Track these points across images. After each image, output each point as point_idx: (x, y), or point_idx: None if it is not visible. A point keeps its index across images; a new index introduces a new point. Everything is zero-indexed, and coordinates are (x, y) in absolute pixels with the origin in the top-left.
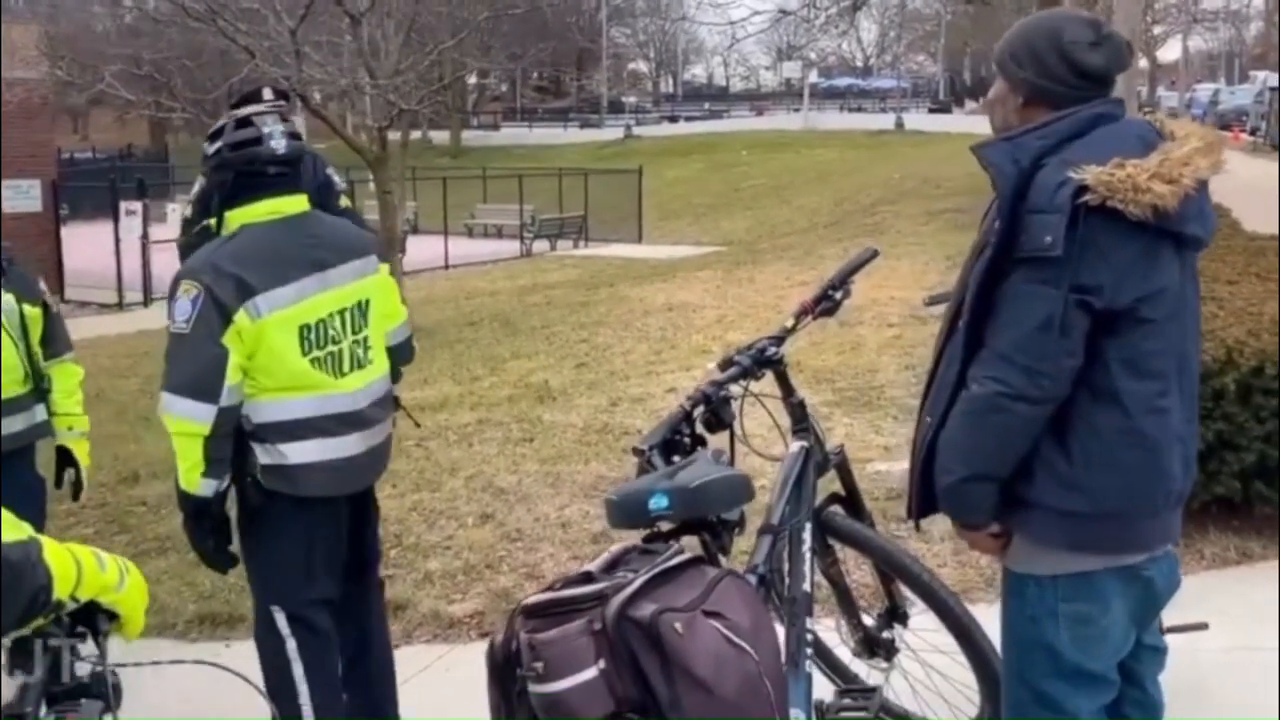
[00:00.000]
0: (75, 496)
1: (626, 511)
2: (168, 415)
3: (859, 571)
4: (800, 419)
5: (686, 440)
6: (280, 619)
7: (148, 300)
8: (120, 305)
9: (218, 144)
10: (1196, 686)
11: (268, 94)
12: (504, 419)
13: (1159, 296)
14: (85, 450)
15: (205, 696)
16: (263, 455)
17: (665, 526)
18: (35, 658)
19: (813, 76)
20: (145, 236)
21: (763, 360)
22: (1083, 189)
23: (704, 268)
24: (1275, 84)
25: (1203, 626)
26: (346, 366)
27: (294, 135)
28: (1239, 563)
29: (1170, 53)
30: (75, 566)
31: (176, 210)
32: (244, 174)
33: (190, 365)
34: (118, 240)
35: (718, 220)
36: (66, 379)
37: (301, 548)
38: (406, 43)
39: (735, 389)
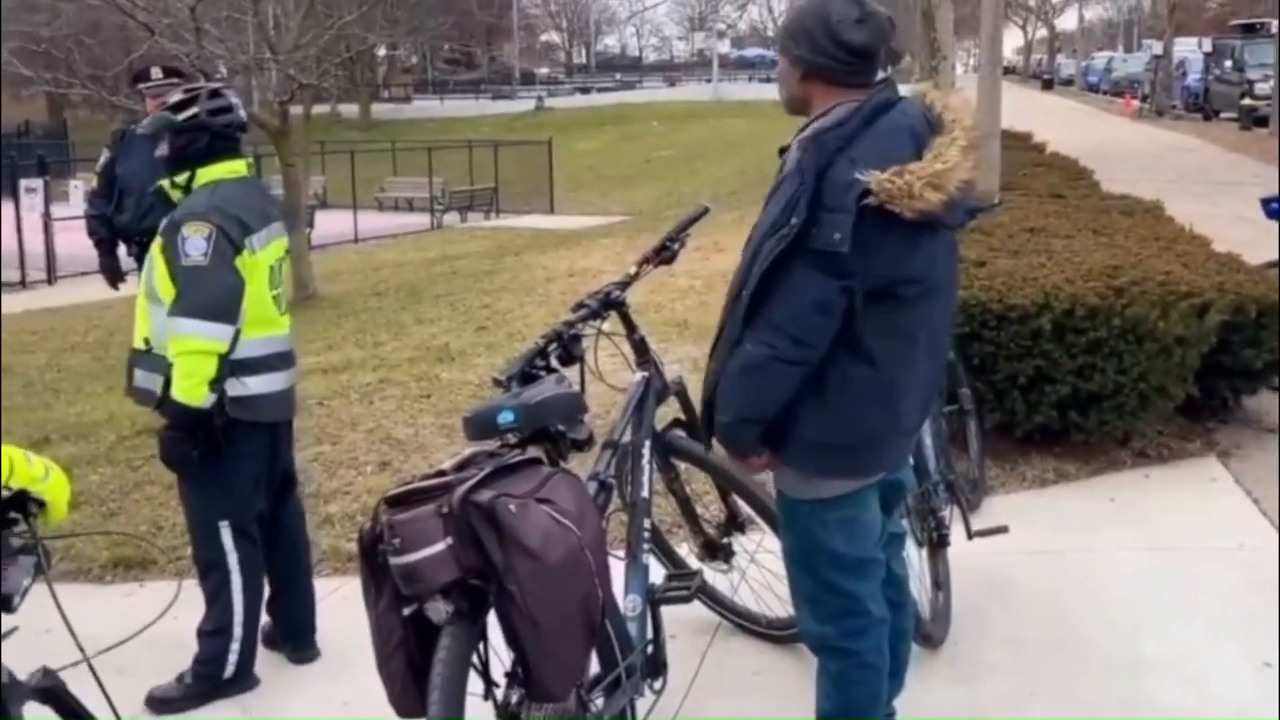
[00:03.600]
0: None
1: (479, 426)
2: (188, 336)
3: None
4: (642, 353)
5: (542, 373)
6: (226, 533)
7: (52, 278)
8: (24, 283)
9: (193, 110)
10: (1002, 580)
11: (156, 73)
12: (404, 378)
13: (913, 280)
14: None
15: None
16: (230, 388)
17: (513, 438)
18: None
19: (724, 47)
20: (47, 214)
21: (608, 303)
22: (866, 191)
23: (608, 235)
24: (1160, 53)
25: (1003, 530)
26: (283, 308)
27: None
28: (1056, 482)
29: (1069, 21)
30: (8, 460)
31: (79, 187)
32: (219, 136)
33: (211, 291)
34: (18, 218)
35: (628, 191)
36: None
37: (250, 467)
38: (308, 16)
39: (586, 328)
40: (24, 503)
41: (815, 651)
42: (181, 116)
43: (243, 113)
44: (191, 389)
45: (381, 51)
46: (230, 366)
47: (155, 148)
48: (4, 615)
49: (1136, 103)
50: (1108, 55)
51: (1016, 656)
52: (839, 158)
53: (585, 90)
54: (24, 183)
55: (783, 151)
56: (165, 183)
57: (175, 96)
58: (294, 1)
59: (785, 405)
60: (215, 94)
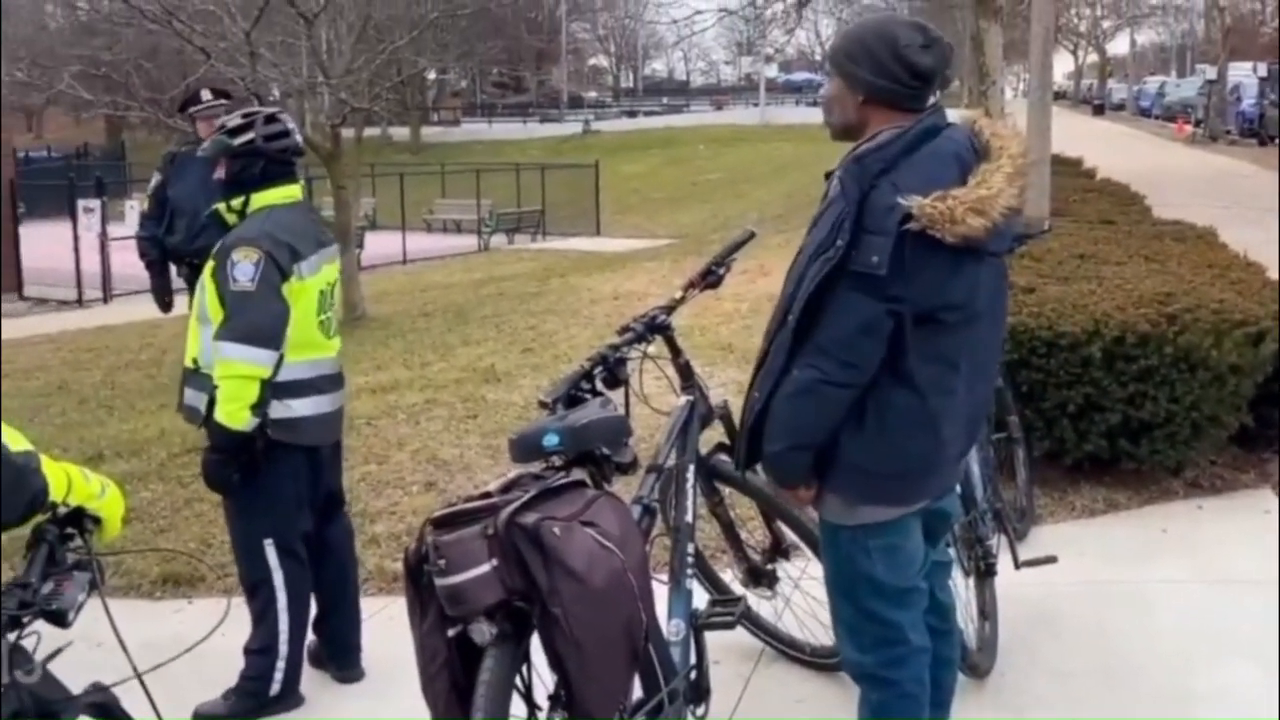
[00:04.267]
0: None
1: (524, 448)
2: (232, 360)
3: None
4: (687, 377)
5: (587, 395)
6: (270, 552)
7: (107, 296)
8: (80, 302)
9: (249, 135)
10: (1050, 611)
11: (206, 95)
12: (450, 399)
13: (956, 306)
14: None
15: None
16: (273, 411)
17: (558, 461)
18: (39, 545)
19: (772, 71)
20: (104, 234)
21: (654, 326)
22: (908, 216)
23: (653, 259)
24: (1214, 77)
25: (1052, 560)
26: (332, 331)
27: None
28: (1106, 512)
29: (1121, 46)
30: (66, 477)
31: (135, 208)
32: (274, 161)
33: (257, 317)
34: (76, 238)
35: (674, 214)
36: None
37: (294, 488)
38: (360, 40)
39: (631, 352)
40: (80, 519)
41: (856, 680)
42: (238, 141)
43: (298, 137)
44: (234, 413)
45: (432, 75)
46: (274, 389)
47: (213, 171)
48: (59, 630)
49: (1190, 128)
50: (1160, 80)
51: (1064, 688)
52: (881, 181)
53: (632, 114)
54: (82, 203)
55: (829, 176)
56: (221, 206)
57: (233, 121)
58: (347, 26)
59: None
60: (271, 119)
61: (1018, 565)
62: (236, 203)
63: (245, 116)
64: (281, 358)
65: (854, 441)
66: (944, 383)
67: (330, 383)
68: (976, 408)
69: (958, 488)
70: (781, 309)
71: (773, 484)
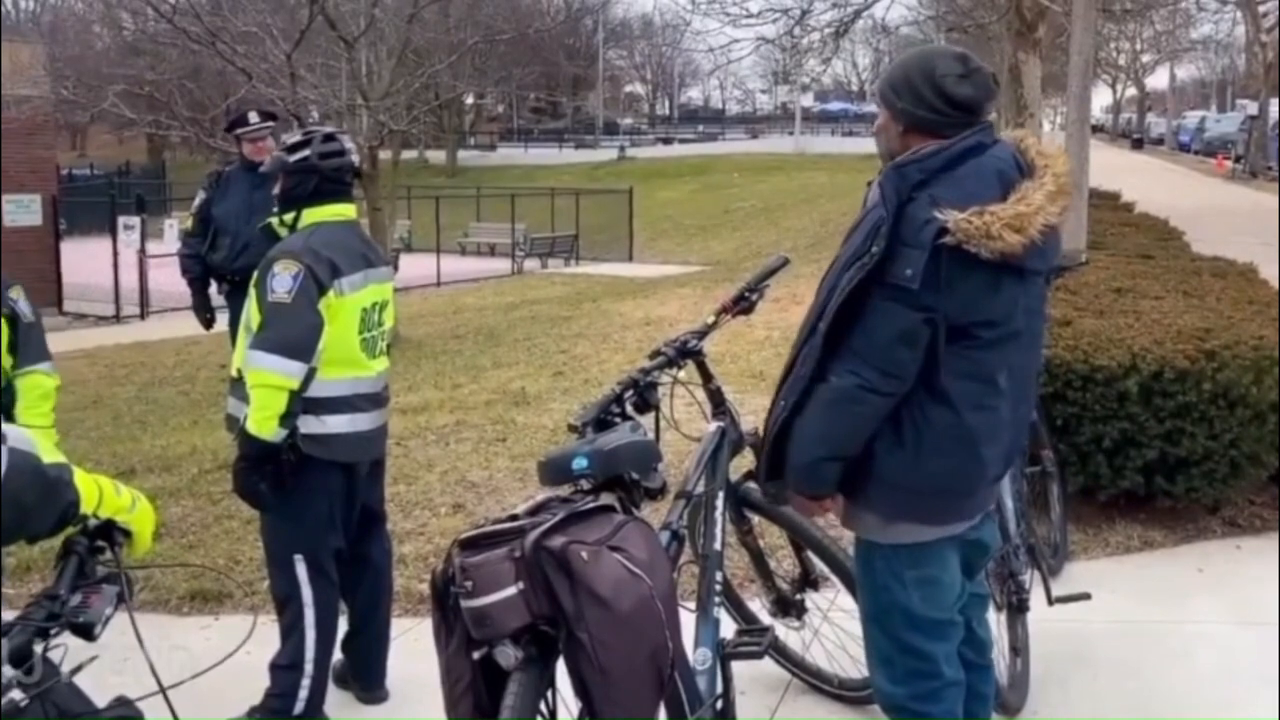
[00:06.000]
0: None
1: (554, 471)
2: (262, 369)
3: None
4: (718, 403)
5: (617, 420)
6: (301, 568)
7: (144, 313)
8: (118, 318)
9: (305, 152)
10: (1083, 649)
11: (253, 117)
12: (480, 421)
13: (992, 322)
14: None
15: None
16: (306, 425)
17: (587, 485)
18: (69, 557)
19: (808, 100)
20: (142, 251)
21: (685, 351)
22: (944, 230)
23: (685, 285)
24: (1255, 113)
25: (1085, 596)
26: (376, 351)
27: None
28: (1141, 550)
29: (1160, 80)
30: (97, 489)
31: (174, 225)
32: (328, 179)
33: (291, 329)
34: (116, 254)
35: (707, 241)
36: (30, 390)
37: (326, 504)
38: (400, 64)
39: (662, 376)
40: (110, 532)
41: (887, 712)
42: (294, 158)
43: (354, 157)
44: (263, 422)
45: (469, 100)
46: (309, 404)
47: (269, 188)
48: (85, 643)
49: (1230, 163)
50: (1200, 115)
51: None
52: (919, 193)
53: (667, 141)
54: (122, 220)
55: (871, 184)
56: (274, 220)
57: (293, 138)
58: (387, 50)
59: (866, 444)
60: (329, 138)
61: (1051, 601)
62: (288, 217)
63: (305, 134)
64: (313, 371)
65: (890, 457)
66: (981, 400)
67: (369, 402)
68: (1018, 429)
69: (995, 519)
70: (812, 317)
71: (793, 494)
